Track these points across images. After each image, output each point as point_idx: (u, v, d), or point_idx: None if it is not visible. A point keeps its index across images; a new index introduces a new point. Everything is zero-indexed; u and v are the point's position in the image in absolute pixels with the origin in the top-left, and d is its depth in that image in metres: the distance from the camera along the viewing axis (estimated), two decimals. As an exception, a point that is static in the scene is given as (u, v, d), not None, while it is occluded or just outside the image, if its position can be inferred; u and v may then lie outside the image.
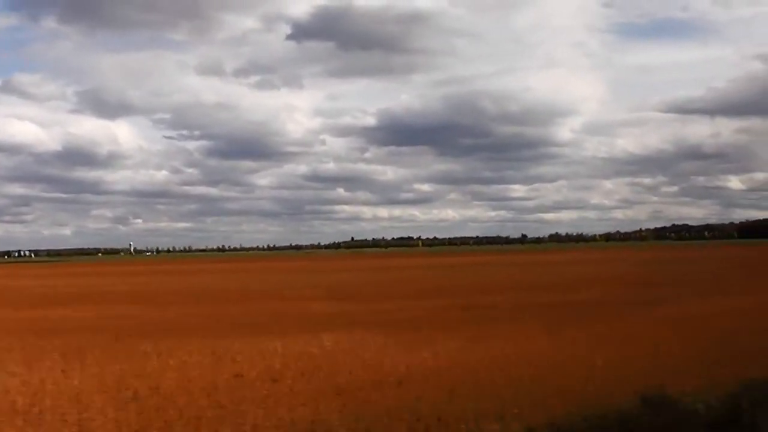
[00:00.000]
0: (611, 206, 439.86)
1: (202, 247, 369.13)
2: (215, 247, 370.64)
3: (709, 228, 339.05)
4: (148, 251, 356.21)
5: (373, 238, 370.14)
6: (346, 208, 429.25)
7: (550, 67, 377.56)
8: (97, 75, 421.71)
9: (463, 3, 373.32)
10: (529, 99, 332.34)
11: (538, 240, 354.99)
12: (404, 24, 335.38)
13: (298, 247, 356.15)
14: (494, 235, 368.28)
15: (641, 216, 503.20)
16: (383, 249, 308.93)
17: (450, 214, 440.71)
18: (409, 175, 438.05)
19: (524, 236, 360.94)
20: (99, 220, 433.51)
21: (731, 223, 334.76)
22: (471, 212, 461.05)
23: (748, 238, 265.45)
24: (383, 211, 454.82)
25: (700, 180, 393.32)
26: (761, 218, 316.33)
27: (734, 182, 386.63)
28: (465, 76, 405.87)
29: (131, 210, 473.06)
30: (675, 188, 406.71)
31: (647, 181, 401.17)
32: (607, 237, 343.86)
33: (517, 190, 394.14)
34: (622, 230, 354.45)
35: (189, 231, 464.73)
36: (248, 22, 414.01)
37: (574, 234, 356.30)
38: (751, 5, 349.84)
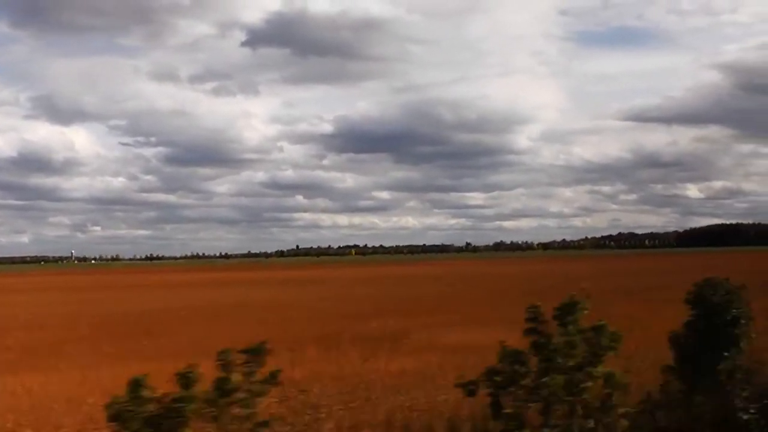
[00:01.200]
0: (571, 214, 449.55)
1: (162, 254, 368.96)
2: (176, 255, 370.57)
3: (653, 236, 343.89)
4: (93, 259, 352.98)
5: (319, 246, 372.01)
6: (305, 215, 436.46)
7: (507, 75, 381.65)
8: (51, 80, 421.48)
9: (418, 10, 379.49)
10: (486, 107, 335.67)
11: (474, 249, 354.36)
12: (359, 31, 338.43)
13: (255, 255, 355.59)
14: (456, 243, 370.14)
15: (601, 224, 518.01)
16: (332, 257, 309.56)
17: (410, 221, 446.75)
18: (368, 182, 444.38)
19: (468, 245, 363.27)
20: (57, 228, 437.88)
21: (675, 231, 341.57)
22: (431, 220, 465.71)
23: (690, 246, 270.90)
24: (343, 219, 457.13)
25: (659, 188, 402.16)
26: (704, 225, 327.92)
27: (692, 190, 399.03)
28: (421, 83, 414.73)
29: (90, 217, 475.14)
30: (634, 196, 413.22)
31: (606, 189, 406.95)
32: (545, 246, 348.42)
33: (476, 197, 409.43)
34: (576, 238, 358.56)
35: (148, 239, 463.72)
36: (202, 28, 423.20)
37: (521, 242, 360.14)
38: (706, 15, 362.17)
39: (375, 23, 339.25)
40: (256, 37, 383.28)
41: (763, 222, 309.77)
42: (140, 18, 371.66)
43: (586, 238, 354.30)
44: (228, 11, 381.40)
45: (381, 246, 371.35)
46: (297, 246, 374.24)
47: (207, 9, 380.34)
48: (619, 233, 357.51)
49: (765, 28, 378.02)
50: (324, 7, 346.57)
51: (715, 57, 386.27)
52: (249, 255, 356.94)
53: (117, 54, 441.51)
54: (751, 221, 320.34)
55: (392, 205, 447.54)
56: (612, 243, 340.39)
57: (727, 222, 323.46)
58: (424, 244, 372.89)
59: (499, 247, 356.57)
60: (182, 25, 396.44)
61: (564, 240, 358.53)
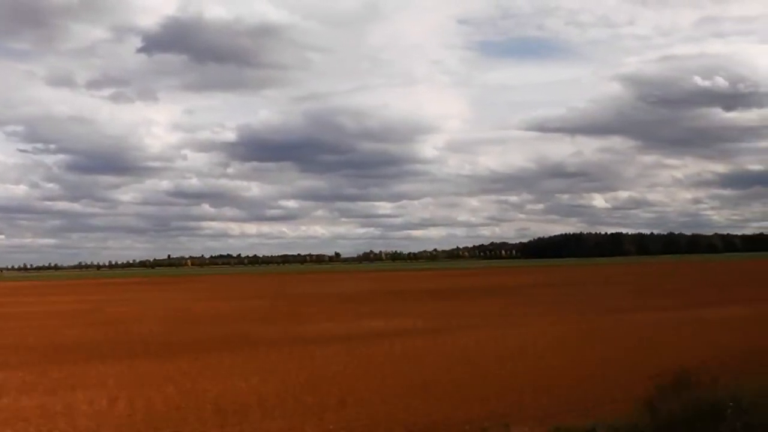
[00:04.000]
0: (479, 223, 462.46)
1: (69, 263, 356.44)
2: (84, 263, 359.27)
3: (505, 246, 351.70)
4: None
5: (229, 255, 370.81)
6: (213, 224, 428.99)
7: (409, 85, 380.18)
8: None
9: (316, 17, 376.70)
10: (389, 116, 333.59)
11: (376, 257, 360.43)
12: (257, 37, 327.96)
13: (162, 264, 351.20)
14: (368, 251, 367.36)
15: (509, 233, 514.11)
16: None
17: (319, 230, 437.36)
18: (274, 191, 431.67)
19: (337, 254, 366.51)
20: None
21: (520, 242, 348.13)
22: (340, 229, 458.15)
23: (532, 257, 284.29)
24: (252, 228, 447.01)
25: (565, 198, 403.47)
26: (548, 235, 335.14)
27: (599, 200, 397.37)
28: (322, 92, 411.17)
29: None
30: (541, 206, 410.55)
31: (513, 198, 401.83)
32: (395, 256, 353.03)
33: (384, 207, 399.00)
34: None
35: (54, 247, 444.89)
36: (97, 33, 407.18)
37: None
38: (605, 27, 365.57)
39: (272, 30, 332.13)
40: (153, 43, 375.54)
41: (635, 232, 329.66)
42: (31, 21, 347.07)
43: (436, 250, 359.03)
44: (122, 15, 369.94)
45: (309, 254, 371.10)
46: (202, 255, 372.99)
47: (100, 13, 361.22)
48: (478, 245, 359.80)
49: (664, 41, 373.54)
50: (220, 13, 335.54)
51: (615, 69, 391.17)
52: (156, 263, 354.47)
53: (8, 58, 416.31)
54: (629, 231, 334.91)
55: (300, 214, 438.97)
56: (466, 253, 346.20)
57: (612, 231, 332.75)
58: (298, 253, 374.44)
59: (368, 257, 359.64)
60: (76, 30, 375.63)
61: (442, 250, 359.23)
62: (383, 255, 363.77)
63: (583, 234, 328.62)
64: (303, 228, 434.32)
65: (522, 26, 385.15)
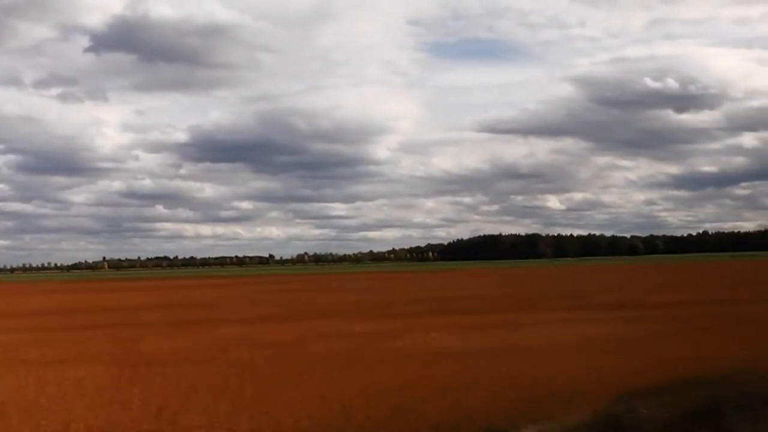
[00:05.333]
0: (434, 224, 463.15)
1: (21, 265, 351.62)
2: (37, 265, 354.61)
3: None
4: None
5: (183, 257, 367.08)
6: (167, 225, 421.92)
7: (360, 85, 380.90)
8: None
9: (265, 17, 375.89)
10: (341, 117, 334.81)
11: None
12: (206, 37, 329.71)
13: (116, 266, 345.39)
14: (324, 252, 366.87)
15: (465, 234, 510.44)
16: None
17: (274, 232, 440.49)
18: (228, 192, 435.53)
19: (271, 256, 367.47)
20: None
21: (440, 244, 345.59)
22: (295, 230, 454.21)
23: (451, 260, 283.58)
24: (206, 229, 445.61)
25: (519, 199, 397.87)
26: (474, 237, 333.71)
27: (553, 201, 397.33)
28: (273, 92, 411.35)
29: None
30: (496, 207, 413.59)
31: (467, 200, 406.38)
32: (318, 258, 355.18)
33: (338, 208, 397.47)
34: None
35: (7, 249, 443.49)
36: (43, 31, 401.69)
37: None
38: (555, 28, 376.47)
39: (221, 30, 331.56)
40: (100, 42, 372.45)
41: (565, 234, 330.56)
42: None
43: (372, 251, 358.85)
44: (69, 14, 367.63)
45: (192, 258, 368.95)
46: (155, 256, 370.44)
47: (46, 11, 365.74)
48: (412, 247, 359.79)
49: (614, 42, 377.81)
50: (167, 12, 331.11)
51: (567, 70, 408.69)
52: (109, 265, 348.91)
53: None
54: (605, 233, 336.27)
55: (255, 215, 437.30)
56: (392, 255, 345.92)
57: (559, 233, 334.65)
58: (235, 256, 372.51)
59: (302, 259, 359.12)
60: (22, 28, 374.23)
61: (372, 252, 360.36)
62: (306, 257, 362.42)
63: (502, 235, 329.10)
64: (258, 229, 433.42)
65: (473, 27, 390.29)
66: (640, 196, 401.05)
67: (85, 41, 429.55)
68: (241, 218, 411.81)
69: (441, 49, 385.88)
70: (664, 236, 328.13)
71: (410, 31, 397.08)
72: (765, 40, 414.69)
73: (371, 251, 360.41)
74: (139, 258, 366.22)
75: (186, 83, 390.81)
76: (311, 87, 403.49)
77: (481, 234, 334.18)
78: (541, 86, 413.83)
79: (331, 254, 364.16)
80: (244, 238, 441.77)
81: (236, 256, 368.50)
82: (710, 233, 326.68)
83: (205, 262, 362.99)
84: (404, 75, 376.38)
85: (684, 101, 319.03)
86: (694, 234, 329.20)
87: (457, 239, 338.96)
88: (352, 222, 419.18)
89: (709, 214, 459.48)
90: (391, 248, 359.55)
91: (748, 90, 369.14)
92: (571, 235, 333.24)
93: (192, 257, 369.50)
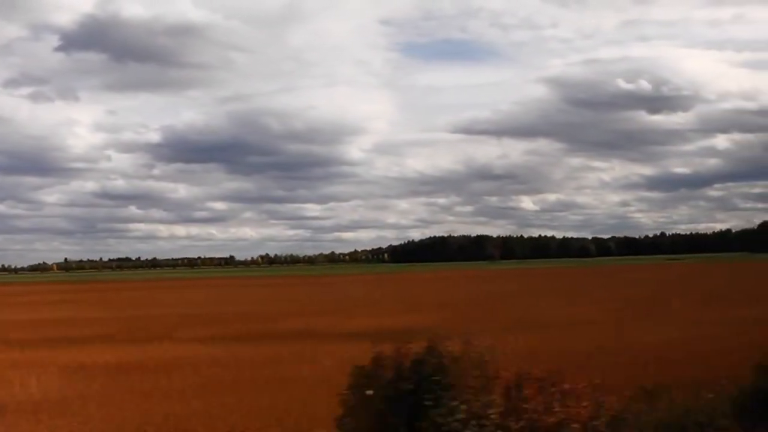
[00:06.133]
0: (408, 225, 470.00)
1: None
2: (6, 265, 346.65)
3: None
4: None
5: (155, 258, 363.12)
6: (141, 226, 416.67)
7: (333, 86, 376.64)
8: None
9: (237, 17, 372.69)
10: (314, 117, 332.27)
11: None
12: (177, 36, 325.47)
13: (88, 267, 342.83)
14: (264, 254, 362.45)
15: (439, 235, 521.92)
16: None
17: (248, 232, 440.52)
18: (201, 193, 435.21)
19: (232, 257, 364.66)
20: None
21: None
22: (269, 231, 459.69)
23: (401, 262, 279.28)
24: (181, 230, 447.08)
25: (494, 200, 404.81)
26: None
27: (527, 203, 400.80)
28: (246, 92, 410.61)
29: None
30: (470, 208, 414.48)
31: (442, 201, 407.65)
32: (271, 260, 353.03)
33: (312, 209, 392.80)
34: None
35: None
36: (12, 30, 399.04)
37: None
38: (528, 29, 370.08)
39: (192, 29, 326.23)
40: (71, 42, 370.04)
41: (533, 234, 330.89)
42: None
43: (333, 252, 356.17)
44: (39, 13, 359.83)
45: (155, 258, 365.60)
46: (127, 257, 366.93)
47: (16, 10, 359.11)
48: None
49: (586, 44, 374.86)
50: (138, 12, 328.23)
51: (540, 71, 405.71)
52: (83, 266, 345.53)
53: None
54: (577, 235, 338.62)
55: (229, 216, 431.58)
56: (347, 257, 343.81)
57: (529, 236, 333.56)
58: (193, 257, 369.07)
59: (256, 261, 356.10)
60: None
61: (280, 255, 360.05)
62: (259, 258, 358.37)
63: (452, 236, 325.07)
64: (232, 230, 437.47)
65: (445, 28, 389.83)
66: (614, 198, 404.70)
67: (55, 40, 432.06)
68: (215, 219, 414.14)
69: (414, 49, 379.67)
70: (614, 237, 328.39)
71: (383, 32, 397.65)
72: (737, 42, 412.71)
73: (332, 252, 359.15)
74: (101, 259, 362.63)
75: (158, 83, 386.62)
76: (284, 87, 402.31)
77: (433, 236, 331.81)
78: (514, 87, 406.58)
79: (291, 255, 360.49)
80: (218, 239, 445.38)
81: (199, 257, 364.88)
82: (667, 234, 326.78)
83: (167, 263, 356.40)
84: (377, 75, 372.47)
85: (657, 102, 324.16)
86: (651, 235, 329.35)
87: (408, 241, 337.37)
88: (327, 223, 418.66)
89: (683, 216, 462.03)
90: (364, 249, 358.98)
91: (720, 92, 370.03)
92: (521, 236, 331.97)
93: (155, 258, 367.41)
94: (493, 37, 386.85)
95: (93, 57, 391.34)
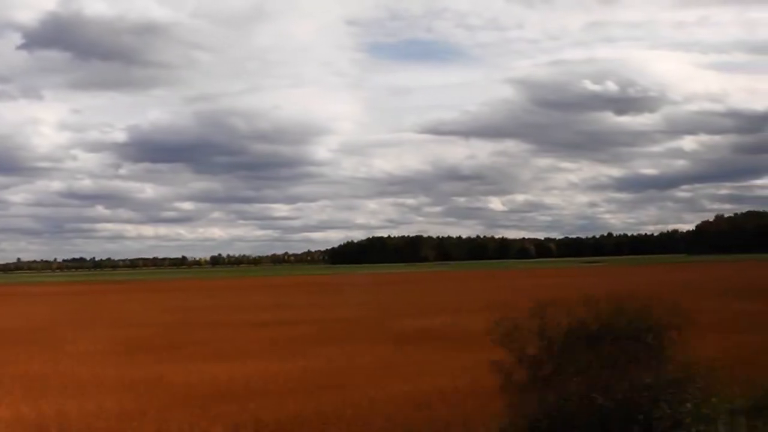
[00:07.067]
0: (377, 225, 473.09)
1: None
2: None
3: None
4: None
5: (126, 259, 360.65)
6: (108, 226, 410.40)
7: (299, 86, 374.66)
8: None
9: (201, 16, 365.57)
10: (281, 117, 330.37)
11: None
12: (141, 35, 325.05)
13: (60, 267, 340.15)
14: (266, 254, 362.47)
15: (410, 236, 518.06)
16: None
17: (216, 233, 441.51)
18: (169, 192, 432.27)
19: (184, 258, 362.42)
20: None
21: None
22: (238, 231, 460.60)
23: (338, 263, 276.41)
24: (148, 230, 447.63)
25: (462, 201, 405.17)
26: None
27: (495, 203, 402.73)
28: (212, 92, 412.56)
29: None
30: (439, 208, 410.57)
31: (410, 201, 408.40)
32: (215, 261, 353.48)
33: (280, 209, 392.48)
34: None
35: None
36: None
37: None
38: (494, 30, 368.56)
39: (156, 28, 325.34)
40: (34, 40, 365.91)
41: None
42: None
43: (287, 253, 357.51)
44: (0, 10, 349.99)
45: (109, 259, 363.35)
46: (82, 257, 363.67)
47: None
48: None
49: (553, 45, 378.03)
50: (101, 9, 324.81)
51: (507, 72, 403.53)
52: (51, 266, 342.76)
53: None
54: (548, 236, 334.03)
55: (197, 216, 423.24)
56: (292, 258, 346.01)
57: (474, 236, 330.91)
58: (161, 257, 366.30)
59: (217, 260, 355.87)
60: None
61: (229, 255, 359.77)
62: (201, 260, 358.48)
63: (391, 237, 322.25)
64: (200, 230, 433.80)
65: (411, 28, 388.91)
66: (583, 198, 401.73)
67: (17, 38, 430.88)
68: (183, 219, 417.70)
69: (380, 49, 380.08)
70: (555, 239, 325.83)
71: (348, 32, 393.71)
72: (702, 44, 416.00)
73: (274, 254, 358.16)
74: (55, 259, 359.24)
75: (123, 82, 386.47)
76: (250, 87, 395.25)
77: (371, 236, 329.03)
78: (481, 88, 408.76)
79: (244, 256, 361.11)
80: (187, 239, 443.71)
81: (155, 257, 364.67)
82: (614, 235, 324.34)
83: (124, 264, 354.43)
84: (344, 76, 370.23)
85: (624, 104, 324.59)
86: (597, 236, 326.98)
87: (347, 241, 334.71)
88: (296, 223, 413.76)
89: (651, 216, 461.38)
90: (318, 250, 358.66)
91: (686, 93, 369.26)
92: (460, 237, 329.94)
93: (109, 258, 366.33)
94: (460, 38, 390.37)
95: (56, 55, 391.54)
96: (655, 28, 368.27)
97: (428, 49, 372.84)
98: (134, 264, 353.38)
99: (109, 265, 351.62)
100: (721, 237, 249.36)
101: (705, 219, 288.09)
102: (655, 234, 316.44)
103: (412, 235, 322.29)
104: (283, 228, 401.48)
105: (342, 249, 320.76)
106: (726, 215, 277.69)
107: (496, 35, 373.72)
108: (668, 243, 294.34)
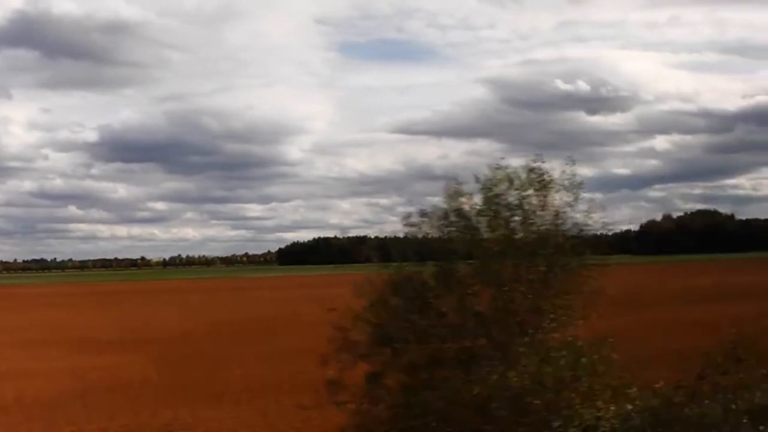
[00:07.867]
0: (351, 225, 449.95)
1: None
2: None
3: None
4: None
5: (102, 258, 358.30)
6: (81, 226, 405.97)
7: (271, 86, 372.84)
8: None
9: (172, 14, 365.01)
10: (253, 117, 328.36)
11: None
12: (111, 34, 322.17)
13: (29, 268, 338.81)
14: (241, 253, 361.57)
15: (324, 237, 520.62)
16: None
17: (190, 233, 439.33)
18: (141, 193, 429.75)
19: (143, 258, 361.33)
20: None
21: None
22: (211, 231, 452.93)
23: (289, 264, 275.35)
24: (122, 230, 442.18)
25: (436, 201, 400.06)
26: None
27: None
28: (183, 92, 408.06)
29: None
30: (412, 209, 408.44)
31: (384, 201, 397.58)
32: (165, 262, 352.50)
33: (253, 209, 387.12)
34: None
35: None
36: None
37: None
38: (465, 30, 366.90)
39: (126, 27, 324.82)
40: (1, 38, 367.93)
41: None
42: None
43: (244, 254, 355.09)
44: None
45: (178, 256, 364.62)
46: (43, 258, 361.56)
47: None
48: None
49: (524, 44, 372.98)
50: (69, 8, 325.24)
51: (478, 72, 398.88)
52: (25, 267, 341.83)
53: None
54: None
55: (170, 216, 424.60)
56: (245, 258, 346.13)
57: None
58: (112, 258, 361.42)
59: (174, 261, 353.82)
60: None
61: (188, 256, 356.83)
62: (155, 261, 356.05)
63: (336, 238, 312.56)
64: (174, 230, 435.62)
65: (382, 27, 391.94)
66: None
67: None
68: (157, 219, 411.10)
69: (351, 49, 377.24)
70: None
71: (320, 31, 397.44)
72: (673, 44, 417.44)
73: (234, 254, 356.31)
74: (15, 260, 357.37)
75: (93, 81, 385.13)
76: (222, 87, 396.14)
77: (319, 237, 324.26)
78: (453, 88, 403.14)
79: (188, 257, 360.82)
80: (161, 239, 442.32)
81: (115, 258, 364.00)
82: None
83: (84, 265, 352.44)
84: (315, 75, 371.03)
85: (595, 103, 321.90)
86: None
87: (296, 241, 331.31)
88: (269, 223, 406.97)
89: (624, 216, 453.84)
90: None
91: (658, 93, 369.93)
92: (406, 237, 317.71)
93: (71, 259, 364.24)
94: (431, 38, 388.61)
95: (25, 54, 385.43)
96: (626, 28, 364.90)
97: (399, 49, 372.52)
98: (84, 265, 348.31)
99: (80, 266, 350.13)
100: (666, 237, 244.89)
101: (651, 219, 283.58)
102: (609, 234, 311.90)
103: (382, 236, 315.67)
104: (256, 228, 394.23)
105: (288, 249, 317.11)
106: (675, 215, 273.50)
107: (467, 35, 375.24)
108: (622, 243, 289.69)
